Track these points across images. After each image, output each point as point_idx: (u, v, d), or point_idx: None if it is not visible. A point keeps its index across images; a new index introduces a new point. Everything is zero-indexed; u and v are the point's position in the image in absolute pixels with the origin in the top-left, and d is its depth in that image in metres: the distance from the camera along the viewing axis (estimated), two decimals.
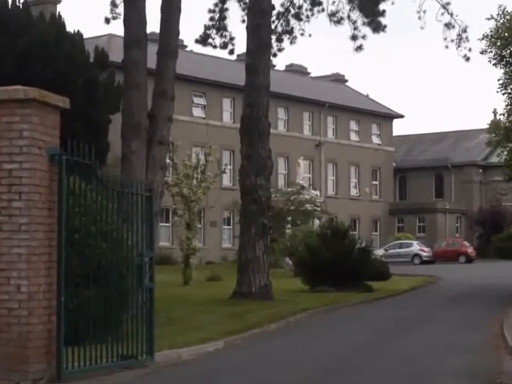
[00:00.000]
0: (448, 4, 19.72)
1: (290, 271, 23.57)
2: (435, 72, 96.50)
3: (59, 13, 24.62)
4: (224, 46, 20.96)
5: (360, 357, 8.62)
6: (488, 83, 79.48)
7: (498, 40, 18.93)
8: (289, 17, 20.73)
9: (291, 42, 21.02)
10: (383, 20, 19.79)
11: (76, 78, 20.89)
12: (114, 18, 16.19)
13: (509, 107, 19.70)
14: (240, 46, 39.45)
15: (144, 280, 7.37)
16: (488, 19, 19.22)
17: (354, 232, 33.48)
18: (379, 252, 32.07)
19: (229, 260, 32.38)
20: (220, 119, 38.01)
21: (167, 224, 32.70)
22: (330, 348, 9.28)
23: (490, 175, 48.94)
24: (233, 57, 28.46)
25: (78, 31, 23.38)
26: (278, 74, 37.44)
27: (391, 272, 22.87)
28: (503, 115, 20.70)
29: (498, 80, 19.43)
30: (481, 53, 19.45)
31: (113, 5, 15.70)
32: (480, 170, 49.70)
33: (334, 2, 20.41)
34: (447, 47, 20.24)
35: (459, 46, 20.01)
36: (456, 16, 19.90)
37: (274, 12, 18.58)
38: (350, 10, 20.21)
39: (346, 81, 51.37)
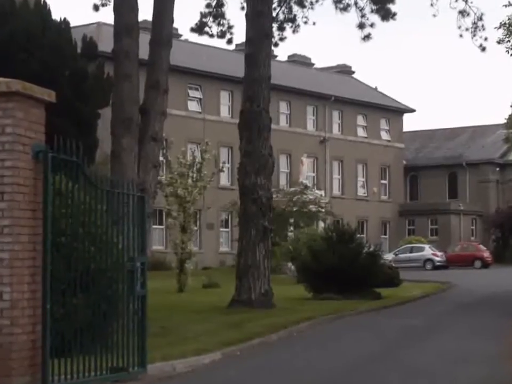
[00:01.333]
0: None
1: (293, 277, 23.58)
2: (449, 63, 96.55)
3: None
4: (221, 35, 21.00)
5: (367, 369, 8.63)
6: (506, 75, 79.48)
7: None
8: (292, 3, 20.78)
9: (294, 31, 21.08)
10: (392, 7, 19.86)
11: (62, 70, 20.89)
12: (103, 5, 16.22)
13: None
14: (239, 35, 39.51)
15: (135, 287, 7.38)
16: (506, 6, 19.27)
17: (362, 235, 33.54)
18: (388, 257, 32.10)
19: (227, 265, 32.43)
20: (217, 113, 38.06)
21: (160, 227, 32.76)
22: (334, 360, 9.29)
23: (508, 174, 48.96)
24: (232, 47, 28.53)
25: (65, 19, 23.38)
26: (279, 65, 37.51)
27: (401, 278, 22.88)
28: None
29: None
30: (498, 42, 19.51)
31: None
32: (497, 169, 49.69)
33: None
34: (461, 36, 20.30)
35: (474, 35, 20.07)
36: (471, 2, 19.97)
37: None
38: None
39: (353, 72, 51.43)
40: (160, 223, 32.24)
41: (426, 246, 40.32)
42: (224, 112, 38.40)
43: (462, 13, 19.92)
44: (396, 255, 37.81)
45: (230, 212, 34.03)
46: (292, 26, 20.90)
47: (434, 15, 20.29)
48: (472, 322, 13.75)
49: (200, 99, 37.88)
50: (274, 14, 18.77)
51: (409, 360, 9.16)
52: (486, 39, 20.08)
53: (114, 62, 12.60)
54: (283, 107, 40.89)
